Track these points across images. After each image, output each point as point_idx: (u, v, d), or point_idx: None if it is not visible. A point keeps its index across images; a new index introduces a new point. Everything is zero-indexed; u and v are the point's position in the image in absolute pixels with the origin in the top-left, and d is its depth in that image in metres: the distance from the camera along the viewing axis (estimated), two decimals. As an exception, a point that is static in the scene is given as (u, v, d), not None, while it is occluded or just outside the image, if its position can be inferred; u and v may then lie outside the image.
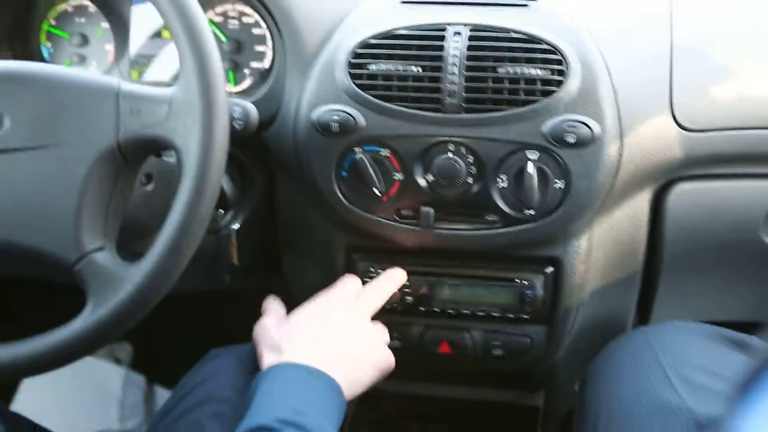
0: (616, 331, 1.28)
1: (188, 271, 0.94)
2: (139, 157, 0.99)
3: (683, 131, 1.17)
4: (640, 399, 1.04)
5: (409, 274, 1.24)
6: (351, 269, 1.27)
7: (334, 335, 1.04)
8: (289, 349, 0.99)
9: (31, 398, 1.72)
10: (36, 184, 0.94)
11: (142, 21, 1.34)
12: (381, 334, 1.13)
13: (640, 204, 1.24)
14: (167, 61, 1.34)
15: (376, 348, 1.08)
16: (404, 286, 1.25)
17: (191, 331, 1.28)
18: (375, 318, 1.21)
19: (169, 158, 1.15)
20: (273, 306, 1.16)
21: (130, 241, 0.97)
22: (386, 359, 1.09)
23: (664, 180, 1.22)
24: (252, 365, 1.10)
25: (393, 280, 1.20)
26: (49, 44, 1.37)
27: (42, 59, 1.36)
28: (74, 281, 0.94)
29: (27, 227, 0.94)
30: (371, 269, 1.25)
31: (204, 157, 0.90)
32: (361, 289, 1.17)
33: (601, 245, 1.24)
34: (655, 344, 1.11)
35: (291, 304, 1.37)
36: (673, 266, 1.27)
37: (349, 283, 1.17)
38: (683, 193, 1.22)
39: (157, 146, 0.97)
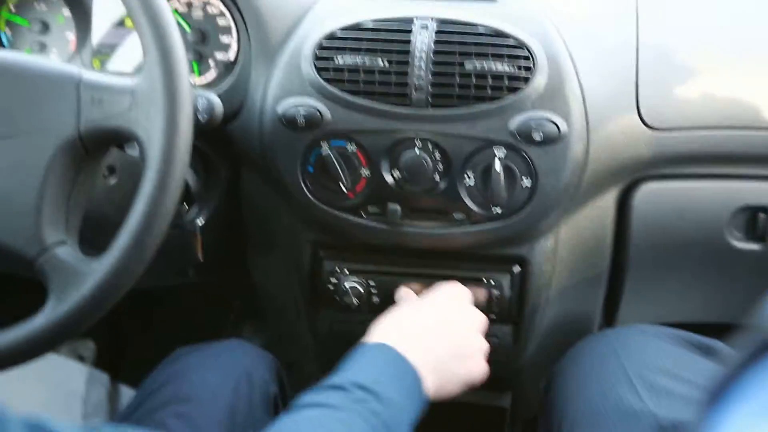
0: (582, 331, 1.29)
1: (152, 266, 0.93)
2: (100, 148, 0.98)
3: (649, 130, 1.17)
4: (603, 402, 1.04)
5: (375, 273, 1.24)
6: (317, 267, 1.27)
7: (447, 344, 1.02)
8: (400, 338, 0.97)
9: None
10: None
11: (105, 9, 1.32)
12: (486, 348, 1.10)
13: (606, 203, 1.24)
14: (130, 51, 1.32)
15: (476, 363, 1.06)
16: (368, 285, 1.25)
17: (156, 328, 1.27)
18: (349, 320, 1.24)
19: (133, 150, 1.15)
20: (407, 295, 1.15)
21: (93, 236, 0.97)
22: (481, 373, 1.06)
23: (630, 179, 1.23)
24: (225, 364, 1.11)
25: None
26: (8, 31, 1.35)
27: (1, 46, 1.35)
28: (36, 275, 0.94)
29: None
30: (337, 269, 1.25)
31: (167, 150, 0.90)
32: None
33: (568, 244, 1.24)
34: (620, 348, 1.11)
35: (251, 303, 1.40)
36: (639, 266, 1.27)
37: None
38: (649, 193, 1.23)
39: (119, 138, 0.98)
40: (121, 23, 1.33)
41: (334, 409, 0.80)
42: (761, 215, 1.20)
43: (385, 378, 0.87)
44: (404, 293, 1.15)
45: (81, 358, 1.79)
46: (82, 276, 0.91)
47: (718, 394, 0.39)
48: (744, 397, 0.33)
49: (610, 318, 1.33)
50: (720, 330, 1.11)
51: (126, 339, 1.75)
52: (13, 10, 1.34)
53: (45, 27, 1.34)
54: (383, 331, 0.97)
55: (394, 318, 1.02)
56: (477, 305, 1.22)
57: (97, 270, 0.90)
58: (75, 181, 0.97)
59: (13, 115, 0.94)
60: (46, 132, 0.94)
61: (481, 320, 1.09)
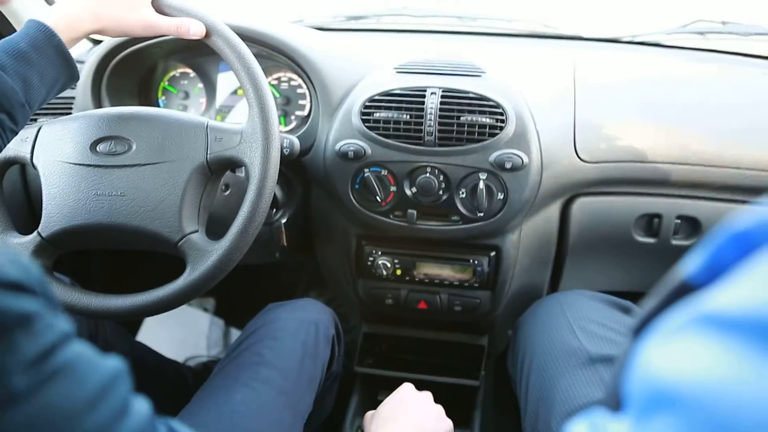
0: (536, 295, 1.28)
1: (252, 249, 0.93)
2: (220, 170, 0.96)
3: (583, 163, 1.15)
4: (552, 342, 1.02)
5: (398, 254, 1.22)
6: (359, 251, 1.25)
7: (427, 424, 0.93)
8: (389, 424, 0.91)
9: (149, 332, 1.72)
10: (153, 188, 0.92)
11: (225, 83, 1.33)
12: (448, 422, 0.99)
13: (554, 210, 1.22)
14: (241, 111, 1.32)
15: (444, 431, 0.95)
16: (395, 263, 1.23)
17: (254, 290, 1.26)
18: (382, 287, 1.23)
19: (240, 174, 1.12)
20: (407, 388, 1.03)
21: (215, 228, 0.95)
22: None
23: (569, 195, 1.21)
24: (297, 318, 1.07)
25: None
26: (163, 97, 1.35)
27: (157, 106, 1.34)
28: (178, 254, 0.93)
29: (149, 217, 0.92)
30: (373, 252, 1.23)
31: (263, 171, 0.90)
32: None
33: (527, 237, 1.22)
34: (564, 305, 1.09)
35: (318, 275, 1.38)
36: (574, 252, 1.26)
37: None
38: (582, 204, 1.21)
39: (232, 163, 0.94)
40: (234, 92, 1.33)
41: None
42: (655, 219, 1.19)
43: None
44: (406, 385, 1.03)
45: (205, 310, 1.80)
46: (208, 253, 0.90)
47: (638, 331, 0.38)
48: (654, 328, 0.31)
49: (554, 286, 1.32)
50: (630, 295, 1.11)
51: (235, 297, 1.74)
52: (167, 83, 1.34)
53: (186, 95, 1.35)
54: (380, 425, 0.91)
55: (385, 419, 0.93)
56: (464, 278, 1.21)
57: (218, 249, 0.90)
58: (203, 192, 0.95)
59: (165, 148, 0.93)
60: (186, 159, 0.93)
61: (440, 411, 0.98)
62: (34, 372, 0.33)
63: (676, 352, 0.28)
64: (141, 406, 0.40)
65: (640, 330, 0.38)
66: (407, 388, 1.00)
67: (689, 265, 0.34)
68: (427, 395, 0.99)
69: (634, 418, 0.30)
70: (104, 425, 0.36)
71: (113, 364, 0.39)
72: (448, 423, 0.96)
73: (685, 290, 0.34)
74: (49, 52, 0.85)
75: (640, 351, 0.31)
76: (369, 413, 0.97)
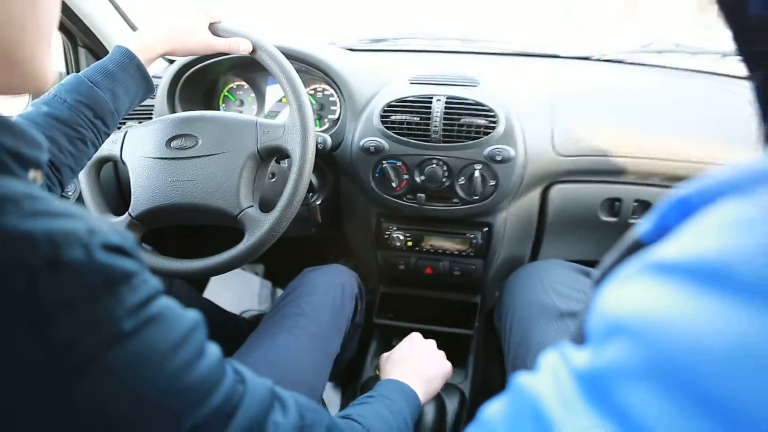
0: (519, 263, 1.25)
1: (293, 225, 0.93)
2: (268, 157, 0.96)
3: (559, 156, 1.13)
4: (530, 301, 1.01)
5: (410, 229, 1.21)
6: (378, 227, 1.24)
7: (430, 368, 0.95)
8: (407, 369, 0.92)
9: (213, 290, 1.73)
10: (217, 173, 0.93)
11: (273, 94, 1.33)
12: (448, 368, 0.99)
13: (535, 195, 1.20)
14: (285, 115, 1.31)
15: (441, 380, 0.96)
16: (407, 236, 1.22)
17: (294, 259, 1.27)
18: (396, 255, 1.23)
19: (283, 165, 1.12)
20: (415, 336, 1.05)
21: (264, 208, 0.95)
22: (444, 380, 0.97)
23: (548, 182, 1.18)
24: (329, 280, 1.07)
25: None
26: (223, 105, 1.35)
27: (218, 110, 1.34)
28: (237, 225, 0.94)
29: (214, 196, 0.93)
30: (390, 227, 1.22)
31: (303, 155, 0.90)
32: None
33: (514, 216, 1.20)
34: (541, 271, 1.08)
35: (345, 246, 1.38)
36: (551, 229, 1.24)
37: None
38: (558, 190, 1.18)
39: (278, 152, 0.94)
40: (279, 101, 1.32)
41: (373, 404, 0.76)
42: (616, 203, 1.16)
43: (397, 395, 0.82)
44: (414, 334, 1.05)
45: (256, 273, 1.80)
46: (261, 223, 0.91)
47: (598, 281, 0.37)
48: (611, 278, 0.30)
49: (534, 256, 1.30)
50: (596, 263, 1.08)
51: (279, 264, 1.75)
52: (226, 93, 1.34)
53: (242, 102, 1.34)
54: (392, 371, 0.92)
55: (397, 361, 0.95)
56: (462, 248, 1.20)
57: (269, 219, 0.90)
58: (255, 175, 0.95)
59: (225, 142, 0.94)
60: (241, 149, 0.93)
61: (441, 356, 1.00)
62: (135, 318, 0.34)
63: (627, 294, 0.28)
64: (214, 349, 0.41)
65: (600, 280, 0.37)
66: (415, 336, 1.02)
67: (641, 227, 0.34)
68: (432, 342, 1.01)
69: (593, 347, 0.29)
70: (187, 363, 0.37)
71: (193, 315, 0.40)
72: (448, 365, 0.98)
73: (637, 247, 0.34)
74: (132, 71, 0.87)
75: (599, 296, 0.31)
76: (384, 355, 0.99)
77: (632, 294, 0.27)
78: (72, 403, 0.31)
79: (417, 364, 0.93)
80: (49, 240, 0.31)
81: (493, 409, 0.35)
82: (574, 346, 0.33)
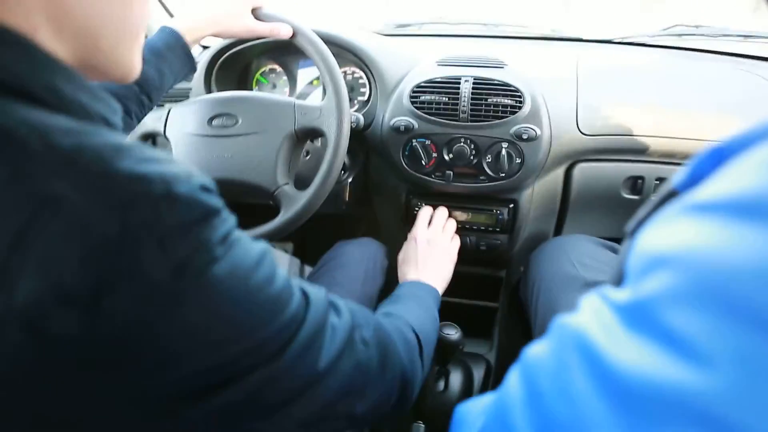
0: (543, 238, 1.27)
1: (326, 201, 0.95)
2: (305, 137, 0.98)
3: (583, 135, 1.15)
4: (556, 272, 1.03)
5: (438, 206, 1.23)
6: (407, 203, 1.26)
7: (441, 264, 1.06)
8: (421, 270, 1.02)
9: None
10: (256, 151, 0.96)
11: (304, 77, 1.36)
12: (455, 246, 1.15)
13: (559, 173, 1.22)
14: (314, 97, 1.35)
15: (453, 256, 1.10)
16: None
17: (322, 236, 1.30)
18: None
19: (317, 144, 1.16)
20: (422, 219, 1.18)
21: (298, 185, 0.97)
22: (455, 256, 1.12)
23: (572, 161, 1.20)
24: (360, 251, 1.12)
25: (445, 215, 1.20)
26: (256, 87, 1.38)
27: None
28: (273, 201, 0.96)
29: (253, 173, 0.95)
30: (418, 203, 1.24)
31: (338, 137, 0.92)
32: (440, 222, 1.17)
33: (538, 193, 1.22)
34: (565, 245, 1.10)
35: (375, 222, 1.42)
36: (575, 206, 1.25)
37: (437, 219, 1.18)
38: (581, 168, 1.20)
39: (314, 132, 0.97)
40: (310, 83, 1.35)
41: (405, 302, 0.85)
42: (638, 181, 1.18)
43: (422, 292, 0.90)
44: (421, 213, 1.18)
45: (285, 251, 1.83)
46: (296, 199, 0.93)
47: (634, 231, 0.39)
48: (648, 223, 0.32)
49: (558, 232, 1.32)
50: (617, 240, 1.12)
51: (308, 240, 1.79)
52: (259, 76, 1.38)
53: (274, 85, 1.37)
54: (410, 272, 1.02)
55: (412, 259, 1.05)
56: (488, 224, 1.23)
57: (305, 195, 0.93)
58: (292, 155, 0.97)
59: (264, 121, 0.97)
60: (279, 129, 0.96)
61: (447, 236, 1.13)
62: (223, 243, 0.39)
63: (667, 233, 0.29)
64: (282, 271, 0.46)
65: (635, 229, 0.39)
66: (420, 234, 1.12)
67: (676, 177, 0.36)
68: (432, 234, 1.13)
69: (632, 283, 0.30)
70: (266, 279, 0.42)
71: (261, 244, 0.45)
72: (454, 248, 1.13)
73: (671, 196, 0.36)
74: (178, 50, 0.92)
75: (637, 240, 0.32)
76: (399, 257, 1.10)
77: (672, 232, 0.29)
78: (184, 314, 0.36)
79: (430, 265, 1.04)
80: (162, 178, 0.36)
81: (536, 348, 0.37)
82: (612, 288, 0.34)
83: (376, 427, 0.98)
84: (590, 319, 0.32)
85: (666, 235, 0.29)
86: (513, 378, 0.39)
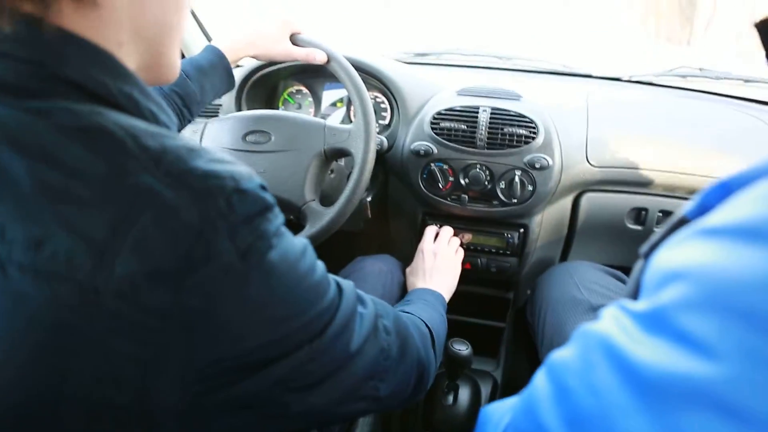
0: (550, 263, 1.31)
1: (348, 218, 0.98)
2: (333, 157, 1.02)
3: (591, 167, 1.20)
4: (562, 296, 1.06)
5: (452, 228, 1.26)
6: (424, 223, 1.29)
7: (446, 273, 1.12)
8: (428, 280, 1.08)
9: None
10: (286, 167, 0.99)
11: (328, 98, 1.41)
12: (459, 257, 1.19)
13: (568, 201, 1.27)
14: (336, 117, 1.39)
15: (458, 268, 1.16)
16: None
17: (347, 248, 1.32)
18: None
19: (340, 163, 1.19)
20: (429, 235, 1.22)
21: (323, 201, 1.01)
22: (459, 267, 1.17)
23: (580, 190, 1.25)
24: (378, 267, 1.15)
25: (451, 232, 1.23)
26: (283, 107, 1.43)
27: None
28: (297, 216, 0.99)
29: (282, 188, 0.98)
30: (435, 224, 1.27)
31: (364, 158, 0.96)
32: (445, 237, 1.21)
33: (547, 220, 1.26)
34: (571, 270, 1.14)
35: (389, 239, 1.44)
36: (581, 233, 1.29)
37: (443, 235, 1.22)
38: (589, 198, 1.25)
39: (342, 153, 1.00)
40: (333, 104, 1.40)
41: (416, 304, 0.91)
42: (642, 212, 1.22)
43: (427, 295, 0.97)
44: (428, 229, 1.23)
45: None
46: (321, 216, 0.97)
47: (647, 254, 0.43)
48: (662, 246, 0.37)
49: (564, 257, 1.35)
50: (620, 268, 1.15)
51: (333, 253, 1.80)
52: (286, 97, 1.42)
53: (299, 105, 1.42)
54: (418, 281, 1.09)
55: (420, 270, 1.12)
56: (499, 246, 1.26)
57: (330, 212, 0.96)
58: (319, 173, 1.01)
59: (295, 140, 1.00)
60: (309, 149, 0.99)
61: (453, 249, 1.18)
62: (276, 234, 0.44)
63: (680, 252, 0.33)
64: (321, 263, 0.51)
65: (649, 252, 0.43)
66: (427, 249, 1.17)
67: (686, 206, 0.40)
68: (439, 247, 1.17)
69: (649, 295, 0.34)
70: (309, 268, 0.47)
71: (303, 239, 0.50)
72: (458, 260, 1.18)
73: (682, 223, 0.39)
74: (220, 69, 0.97)
75: (652, 260, 0.36)
76: (408, 269, 1.16)
77: (685, 252, 0.33)
78: (249, 292, 0.41)
79: (436, 274, 1.09)
80: (231, 176, 0.41)
81: (561, 353, 0.41)
82: (630, 300, 0.38)
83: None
84: (612, 324, 0.36)
85: (680, 254, 0.33)
86: (540, 378, 0.42)
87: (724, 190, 0.36)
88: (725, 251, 0.30)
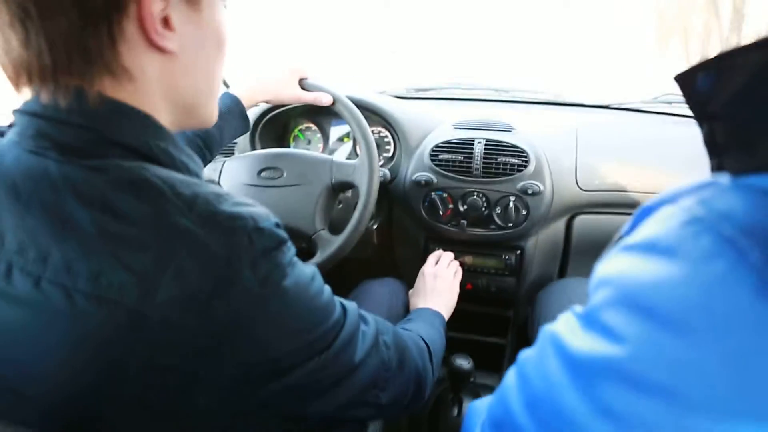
0: (548, 281, 1.33)
1: (355, 246, 1.03)
2: (340, 190, 1.07)
3: (581, 191, 1.25)
4: (560, 312, 1.06)
5: (453, 251, 1.29)
6: (426, 249, 1.34)
7: (445, 294, 1.13)
8: (429, 300, 1.10)
9: None
10: (297, 200, 1.04)
11: (335, 134, 1.47)
12: (458, 280, 1.20)
13: (561, 224, 1.31)
14: (343, 152, 1.44)
15: (456, 289, 1.17)
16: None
17: (353, 274, 1.36)
18: None
19: (348, 194, 1.24)
20: (431, 259, 1.23)
21: (332, 230, 1.05)
22: (457, 286, 1.18)
23: (572, 213, 1.30)
24: (384, 290, 1.17)
25: (451, 256, 1.26)
26: (293, 143, 1.49)
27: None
28: (308, 244, 1.03)
29: (294, 218, 1.03)
30: (436, 248, 1.31)
31: (369, 191, 1.01)
32: (445, 261, 1.23)
33: (543, 241, 1.31)
34: (568, 287, 1.19)
35: (394, 266, 1.47)
36: (575, 253, 1.34)
37: (443, 259, 1.23)
38: (581, 220, 1.30)
39: (348, 186, 1.05)
40: (340, 140, 1.45)
41: (417, 321, 0.94)
42: None
43: (427, 315, 1.00)
44: (431, 255, 1.24)
45: None
46: (331, 243, 1.01)
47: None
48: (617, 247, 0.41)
49: (561, 275, 1.37)
50: None
51: (342, 278, 1.82)
52: (296, 134, 1.48)
53: (309, 141, 1.48)
54: (419, 301, 1.10)
55: (422, 291, 1.13)
56: (498, 267, 1.30)
57: (339, 239, 1.01)
58: (328, 204, 1.05)
59: (305, 175, 1.05)
60: (318, 183, 1.04)
61: (452, 272, 1.19)
62: (290, 264, 0.51)
63: (610, 264, 0.39)
64: (327, 287, 0.58)
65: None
66: (428, 273, 1.17)
67: (624, 228, 0.46)
68: (439, 271, 1.17)
69: (589, 299, 0.40)
70: (318, 291, 0.54)
71: (312, 266, 0.57)
72: (457, 281, 1.18)
73: (620, 239, 0.44)
74: (236, 113, 1.05)
75: (594, 272, 0.42)
76: (410, 291, 1.16)
77: (612, 264, 0.39)
78: (267, 312, 0.49)
79: (437, 295, 1.11)
80: (251, 216, 0.49)
81: (527, 351, 0.48)
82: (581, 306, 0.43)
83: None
84: (562, 324, 0.42)
85: (609, 265, 0.39)
86: (510, 372, 0.49)
87: (647, 212, 0.41)
88: (635, 262, 0.36)
